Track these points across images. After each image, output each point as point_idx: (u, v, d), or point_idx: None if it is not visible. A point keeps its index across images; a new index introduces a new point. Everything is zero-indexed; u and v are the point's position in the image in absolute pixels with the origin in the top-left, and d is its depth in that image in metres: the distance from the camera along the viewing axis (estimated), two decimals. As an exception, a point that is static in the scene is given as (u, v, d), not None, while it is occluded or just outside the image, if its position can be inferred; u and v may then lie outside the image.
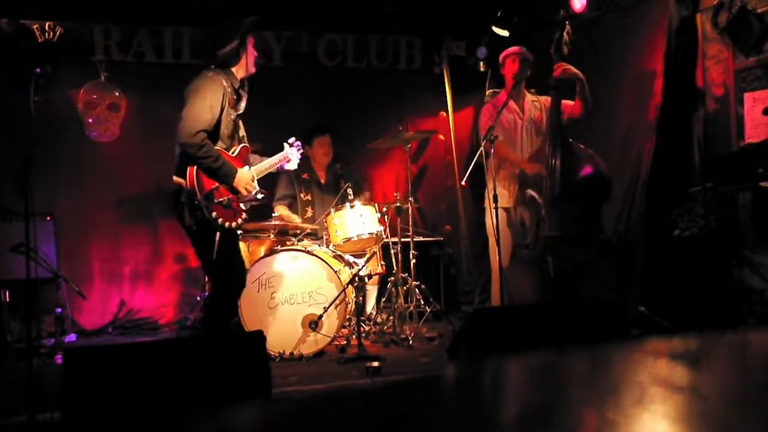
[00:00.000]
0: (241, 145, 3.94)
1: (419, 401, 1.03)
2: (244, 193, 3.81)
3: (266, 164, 4.11)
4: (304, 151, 5.73)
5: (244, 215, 3.84)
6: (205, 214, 3.65)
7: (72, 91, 5.75)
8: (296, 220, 5.46)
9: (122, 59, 5.81)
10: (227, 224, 3.73)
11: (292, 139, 4.39)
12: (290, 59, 6.21)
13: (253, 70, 4.01)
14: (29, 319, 3.83)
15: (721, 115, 4.64)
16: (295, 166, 4.38)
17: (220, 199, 3.71)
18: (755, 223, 4.32)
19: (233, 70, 3.91)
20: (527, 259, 4.65)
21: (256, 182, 3.93)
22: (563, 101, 4.69)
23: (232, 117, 3.86)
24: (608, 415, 0.85)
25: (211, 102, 3.72)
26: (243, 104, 3.98)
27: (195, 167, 3.64)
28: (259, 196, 3.93)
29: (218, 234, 3.73)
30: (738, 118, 4.53)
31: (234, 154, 3.86)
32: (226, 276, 3.85)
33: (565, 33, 4.60)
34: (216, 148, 3.73)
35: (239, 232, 5.08)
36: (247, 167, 3.91)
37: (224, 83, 3.81)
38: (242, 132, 4.02)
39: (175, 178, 3.74)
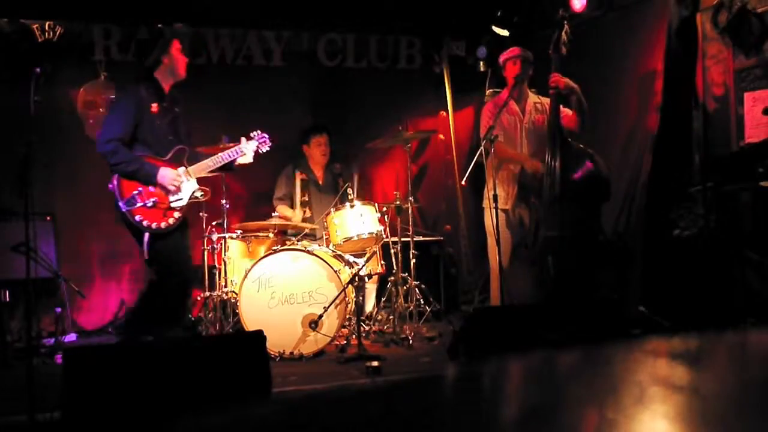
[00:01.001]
0: (176, 147, 4.02)
1: (419, 401, 1.03)
2: (172, 190, 3.91)
3: (210, 161, 4.14)
4: (302, 150, 5.74)
5: (176, 214, 3.95)
6: (128, 218, 3.82)
7: (72, 91, 5.75)
8: (297, 218, 5.46)
9: (122, 59, 5.81)
10: (155, 225, 3.87)
11: (255, 133, 4.39)
12: (290, 59, 6.21)
13: (181, 75, 4.10)
14: (29, 319, 3.83)
15: (721, 115, 4.64)
16: (251, 160, 4.36)
17: (144, 202, 3.83)
18: (755, 223, 4.32)
19: (157, 76, 4.04)
20: (527, 259, 4.65)
21: (193, 181, 4.02)
22: (562, 107, 4.68)
23: (158, 122, 3.97)
24: (608, 414, 0.85)
25: (121, 114, 3.92)
26: (177, 108, 4.10)
27: (117, 174, 3.84)
28: (198, 194, 4.03)
29: (147, 235, 3.86)
30: (738, 118, 4.53)
31: (165, 157, 3.97)
32: (163, 276, 3.96)
33: (563, 33, 4.59)
34: (140, 153, 3.88)
35: (238, 235, 5.12)
36: (182, 168, 3.99)
37: (142, 93, 3.95)
38: (183, 132, 4.12)
39: (109, 185, 3.92)
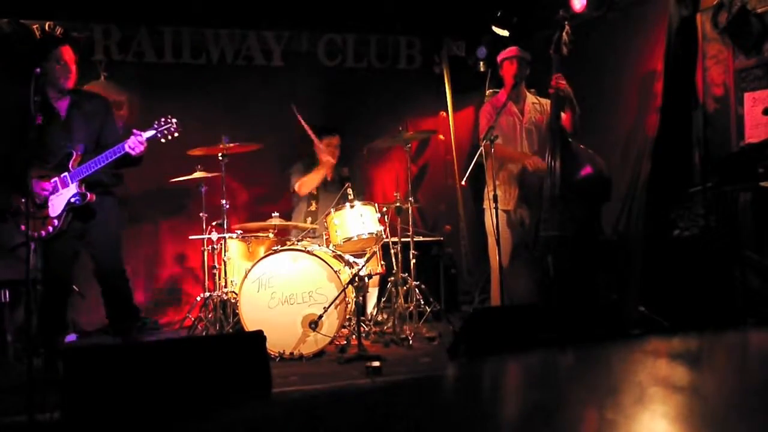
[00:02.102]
0: (64, 153, 3.96)
1: (419, 401, 1.03)
2: (37, 200, 3.90)
3: (92, 163, 3.95)
4: (313, 145, 5.71)
5: (55, 222, 3.93)
6: (18, 228, 3.87)
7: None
8: (313, 182, 5.45)
9: (122, 59, 5.82)
10: (35, 234, 3.88)
11: (159, 121, 4.08)
12: (290, 59, 6.22)
13: (64, 85, 4.00)
14: (29, 319, 3.83)
15: (721, 115, 4.64)
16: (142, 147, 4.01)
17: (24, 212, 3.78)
18: (755, 223, 4.32)
19: (44, 87, 3.93)
20: (527, 259, 4.65)
21: (71, 187, 3.93)
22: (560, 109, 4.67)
23: (45, 132, 3.87)
24: (608, 415, 0.85)
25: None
26: (62, 114, 4.02)
27: None
28: (72, 199, 3.93)
29: (32, 244, 3.80)
30: (738, 118, 4.53)
31: (50, 164, 3.95)
32: (45, 287, 3.95)
33: (564, 33, 4.58)
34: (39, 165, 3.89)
35: (238, 235, 5.12)
36: (65, 173, 3.93)
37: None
38: (83, 136, 4.02)
39: None
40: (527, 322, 3.46)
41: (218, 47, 6.05)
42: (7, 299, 4.82)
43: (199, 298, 5.28)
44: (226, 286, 4.94)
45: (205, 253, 5.23)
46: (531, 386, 1.11)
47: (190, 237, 5.35)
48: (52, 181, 3.96)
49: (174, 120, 4.09)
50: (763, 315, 4.03)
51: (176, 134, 4.12)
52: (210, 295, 5.02)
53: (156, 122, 4.09)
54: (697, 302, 4.19)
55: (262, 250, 5.07)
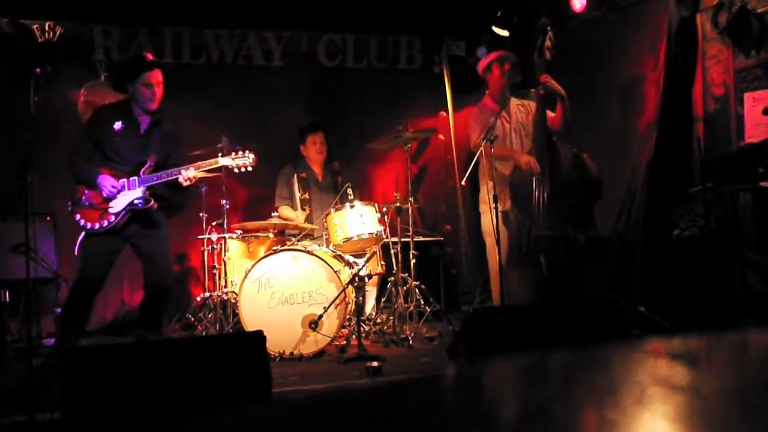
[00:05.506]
0: (138, 161, 4.25)
1: (419, 401, 1.03)
2: (107, 194, 4.17)
3: (162, 174, 4.27)
4: (299, 150, 5.74)
5: (111, 218, 4.21)
6: (71, 218, 4.21)
7: (72, 91, 5.74)
8: (300, 219, 5.43)
9: (122, 60, 5.81)
10: (89, 225, 4.20)
11: (240, 153, 4.44)
12: (290, 59, 6.21)
13: (146, 106, 4.28)
14: (29, 319, 3.83)
15: (721, 115, 4.64)
16: (187, 179, 4.29)
17: (85, 202, 4.22)
18: (755, 223, 4.32)
19: (131, 101, 4.32)
20: (523, 259, 4.65)
21: (137, 190, 4.22)
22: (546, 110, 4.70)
23: (118, 139, 4.26)
24: (608, 414, 0.85)
25: (83, 132, 4.46)
26: (142, 128, 4.33)
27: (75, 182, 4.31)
28: (136, 201, 4.21)
29: (82, 234, 4.23)
30: (738, 118, 4.54)
31: (121, 168, 4.25)
32: (79, 273, 4.25)
33: (547, 39, 4.63)
34: (97, 165, 4.22)
35: (238, 235, 5.12)
36: (135, 178, 4.23)
37: (101, 113, 4.35)
38: (157, 152, 4.30)
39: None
40: (527, 322, 3.46)
41: (218, 47, 6.04)
42: (8, 299, 4.83)
43: (199, 298, 5.27)
44: (226, 286, 4.94)
45: (205, 253, 5.23)
46: (531, 386, 1.11)
47: (190, 237, 5.34)
48: (121, 181, 4.22)
49: (252, 155, 4.44)
50: (763, 315, 4.03)
51: (249, 168, 4.46)
52: (210, 295, 5.02)
53: (234, 150, 4.44)
54: (697, 302, 4.19)
55: (262, 250, 5.07)
